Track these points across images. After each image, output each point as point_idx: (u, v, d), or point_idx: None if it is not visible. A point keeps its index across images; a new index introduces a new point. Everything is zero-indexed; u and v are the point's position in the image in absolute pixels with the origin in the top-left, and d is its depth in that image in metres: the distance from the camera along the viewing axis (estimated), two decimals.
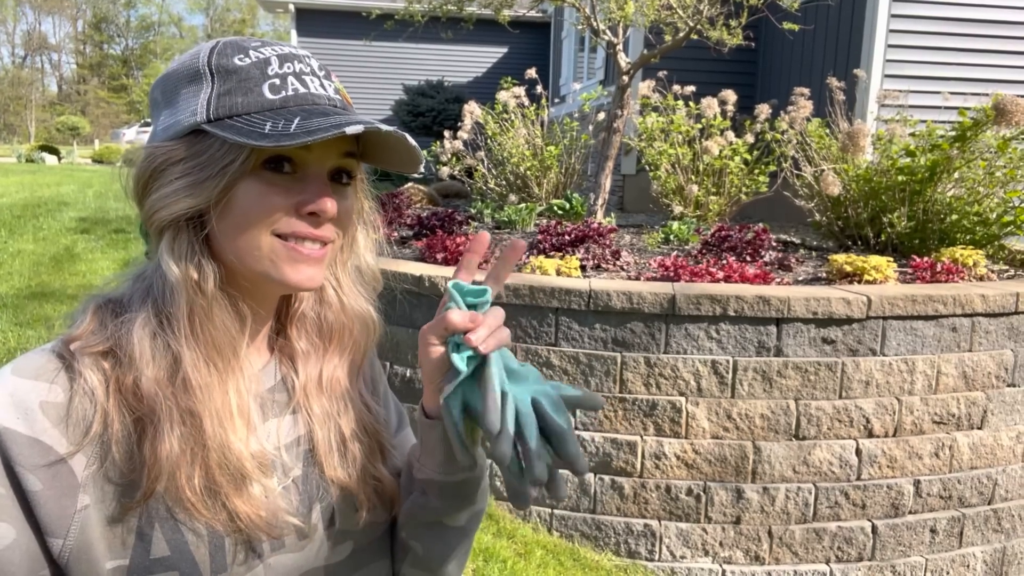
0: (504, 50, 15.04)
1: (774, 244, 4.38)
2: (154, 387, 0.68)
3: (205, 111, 0.69)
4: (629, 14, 4.35)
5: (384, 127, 0.70)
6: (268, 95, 0.70)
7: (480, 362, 0.69)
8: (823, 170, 4.56)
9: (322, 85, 0.73)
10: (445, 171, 6.32)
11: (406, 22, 5.43)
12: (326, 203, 0.71)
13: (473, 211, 5.62)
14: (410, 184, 7.08)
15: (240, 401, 0.73)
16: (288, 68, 0.72)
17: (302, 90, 0.71)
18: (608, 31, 5.06)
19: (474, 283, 0.73)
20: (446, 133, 6.43)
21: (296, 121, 0.67)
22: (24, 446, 0.64)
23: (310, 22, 14.87)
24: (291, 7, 14.87)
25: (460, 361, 0.69)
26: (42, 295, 5.97)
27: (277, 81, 0.71)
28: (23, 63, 61.30)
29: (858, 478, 3.12)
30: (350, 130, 0.65)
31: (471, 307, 0.70)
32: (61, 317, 0.74)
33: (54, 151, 21.64)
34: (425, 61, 14.66)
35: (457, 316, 0.68)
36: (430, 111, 12.43)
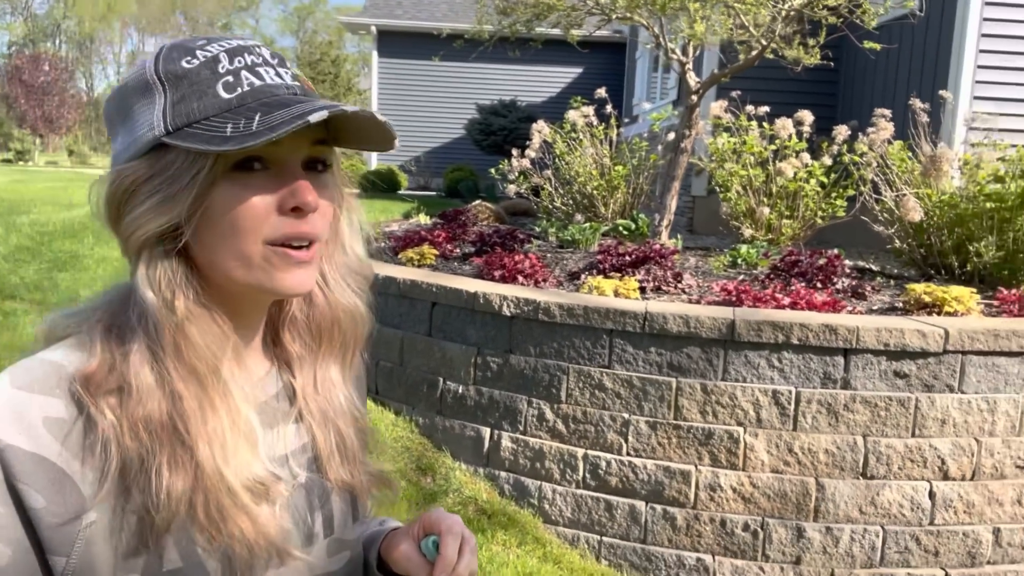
0: (579, 70, 15.05)
1: (848, 271, 4.18)
2: (156, 414, 0.66)
3: (162, 123, 0.66)
4: (699, 33, 4.26)
5: (351, 108, 0.66)
6: (224, 94, 0.67)
7: None
8: (904, 195, 4.34)
9: (278, 74, 0.71)
10: (512, 189, 6.32)
11: (476, 41, 5.48)
12: (307, 195, 0.68)
13: (538, 230, 5.60)
14: (478, 201, 7.11)
15: (233, 421, 0.70)
16: (239, 62, 0.69)
17: (258, 83, 0.68)
18: (678, 50, 4.98)
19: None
20: (514, 151, 6.44)
21: (257, 118, 0.64)
22: (26, 463, 0.62)
23: (390, 44, 15.31)
24: (373, 29, 15.33)
25: None
26: None
27: (230, 78, 0.68)
28: None
29: (931, 523, 2.92)
30: (314, 118, 0.62)
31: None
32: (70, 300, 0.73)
33: None
34: (499, 81, 14.82)
35: None
36: (502, 130, 12.53)
